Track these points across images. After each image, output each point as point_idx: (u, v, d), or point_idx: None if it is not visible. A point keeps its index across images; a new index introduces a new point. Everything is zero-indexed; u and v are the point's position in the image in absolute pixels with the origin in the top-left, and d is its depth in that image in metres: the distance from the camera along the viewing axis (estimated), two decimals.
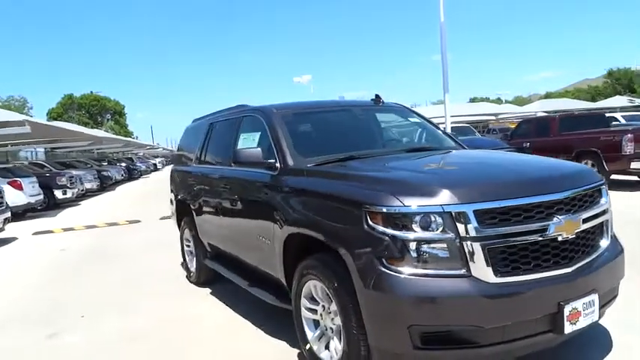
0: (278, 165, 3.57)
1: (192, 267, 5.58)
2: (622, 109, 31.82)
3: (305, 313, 3.22)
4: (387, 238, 2.50)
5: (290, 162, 3.52)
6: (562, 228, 2.59)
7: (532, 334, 2.52)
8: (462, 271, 2.43)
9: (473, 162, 3.50)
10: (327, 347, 3.07)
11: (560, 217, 2.60)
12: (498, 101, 54.46)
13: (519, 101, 68.16)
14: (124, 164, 32.45)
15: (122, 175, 29.50)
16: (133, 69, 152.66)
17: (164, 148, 79.28)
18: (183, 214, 5.80)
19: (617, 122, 17.11)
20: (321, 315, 3.11)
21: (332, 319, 2.98)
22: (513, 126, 19.32)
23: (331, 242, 2.81)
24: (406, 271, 2.46)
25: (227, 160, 4.49)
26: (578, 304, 2.56)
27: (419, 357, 2.52)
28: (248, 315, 4.37)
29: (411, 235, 2.46)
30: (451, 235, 2.44)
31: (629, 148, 9.99)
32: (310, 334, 3.19)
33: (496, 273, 2.44)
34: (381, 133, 4.40)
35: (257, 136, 4.07)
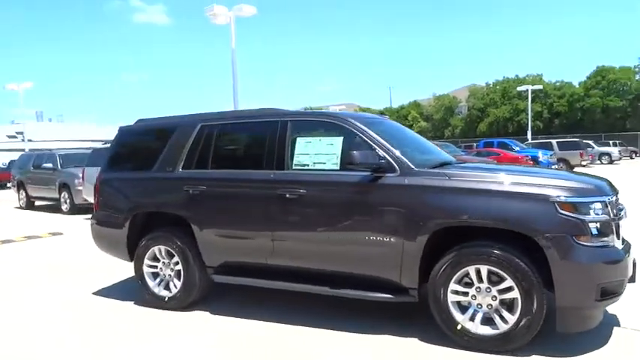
0: (397, 167, 3.85)
1: (172, 289, 4.79)
2: None
3: (452, 298, 3.64)
4: (575, 220, 3.33)
5: (411, 165, 3.86)
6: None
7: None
8: (612, 243, 3.46)
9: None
10: (485, 323, 3.58)
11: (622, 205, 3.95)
12: None
13: None
14: None
15: None
16: None
17: None
18: (146, 230, 4.96)
19: None
20: (473, 296, 3.61)
21: (493, 296, 3.54)
22: None
23: (517, 227, 3.43)
24: (589, 244, 3.35)
25: (269, 164, 4.31)
26: (637, 262, 3.91)
27: (594, 307, 3.41)
28: (308, 321, 4.26)
29: (590, 218, 3.37)
30: (608, 217, 3.45)
31: None
32: (460, 315, 3.63)
33: (620, 243, 3.57)
34: (420, 143, 4.98)
35: (337, 141, 4.14)
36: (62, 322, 4.62)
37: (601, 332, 3.79)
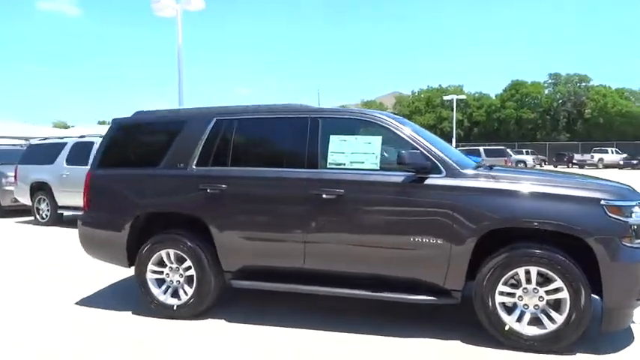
0: (442, 168, 3.82)
1: (182, 296, 4.39)
2: None
3: (500, 299, 3.66)
4: (622, 222, 3.48)
5: (456, 166, 3.84)
6: None
7: None
8: None
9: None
10: (531, 323, 3.63)
11: None
12: None
13: None
14: None
15: None
16: None
17: None
18: (146, 232, 4.55)
19: None
20: (519, 297, 3.65)
21: (540, 297, 3.61)
22: None
23: (570, 230, 3.51)
24: (631, 245, 3.50)
25: (299, 162, 4.12)
26: None
27: (633, 306, 3.57)
28: (343, 326, 4.09)
29: (632, 220, 3.53)
30: None
31: None
32: (507, 317, 3.66)
33: None
34: (445, 144, 4.94)
35: (376, 140, 4.03)
36: (50, 341, 4.07)
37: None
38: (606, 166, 39.84)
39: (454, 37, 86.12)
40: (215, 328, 4.23)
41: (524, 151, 41.45)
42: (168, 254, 4.43)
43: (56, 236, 9.37)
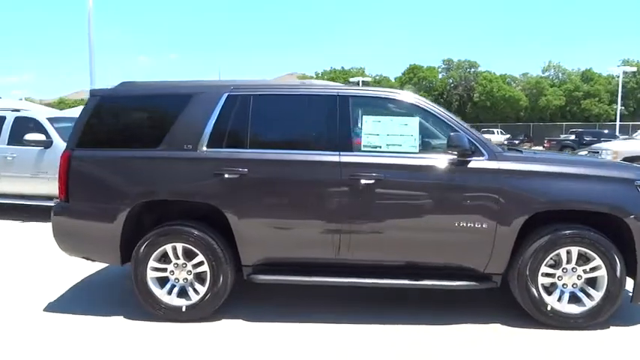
0: (484, 151, 3.74)
1: (192, 296, 3.87)
2: None
3: (542, 280, 3.70)
4: None
5: (497, 149, 3.79)
6: None
7: None
8: None
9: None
10: (570, 301, 3.72)
11: None
12: None
13: None
14: None
15: None
16: None
17: None
18: (141, 225, 3.96)
19: None
20: (559, 277, 3.73)
21: (579, 276, 3.71)
22: None
23: (613, 210, 3.63)
24: None
25: (330, 144, 3.81)
26: None
27: None
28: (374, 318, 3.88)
29: None
30: None
31: None
32: (548, 297, 3.72)
33: None
34: None
35: (413, 121, 3.83)
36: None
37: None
38: None
39: (355, 19, 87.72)
40: (233, 330, 3.80)
41: None
42: (174, 249, 3.87)
43: None
